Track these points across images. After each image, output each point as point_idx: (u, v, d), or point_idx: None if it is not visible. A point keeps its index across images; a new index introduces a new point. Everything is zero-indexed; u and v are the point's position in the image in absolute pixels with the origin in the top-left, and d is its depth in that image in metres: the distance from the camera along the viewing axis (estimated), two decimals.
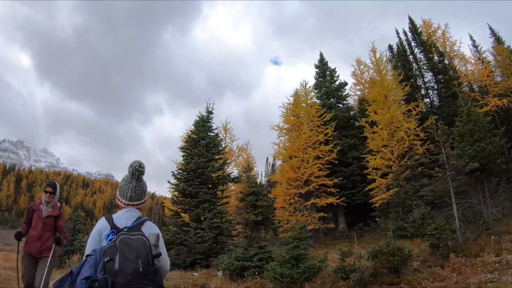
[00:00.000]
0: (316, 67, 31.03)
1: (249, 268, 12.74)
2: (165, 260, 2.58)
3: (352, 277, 9.81)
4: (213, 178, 17.78)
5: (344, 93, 29.54)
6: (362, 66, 29.70)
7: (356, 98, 32.13)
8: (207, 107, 20.01)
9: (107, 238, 2.37)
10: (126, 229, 2.39)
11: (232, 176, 19.22)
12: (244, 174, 17.99)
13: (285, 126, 24.73)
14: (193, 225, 16.23)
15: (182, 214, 16.64)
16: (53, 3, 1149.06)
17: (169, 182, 18.46)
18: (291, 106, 24.84)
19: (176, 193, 17.96)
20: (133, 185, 2.65)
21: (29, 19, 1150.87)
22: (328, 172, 22.01)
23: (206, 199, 16.60)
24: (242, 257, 13.10)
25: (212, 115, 19.79)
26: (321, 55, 31.23)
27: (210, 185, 17.56)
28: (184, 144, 19.21)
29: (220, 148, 19.12)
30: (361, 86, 30.83)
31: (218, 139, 19.39)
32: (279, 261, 11.15)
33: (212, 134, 19.22)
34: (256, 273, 12.50)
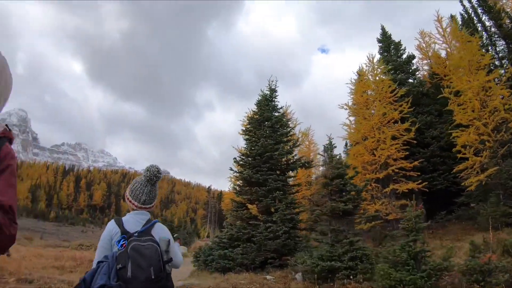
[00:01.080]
0: (379, 41, 28.06)
1: (339, 270, 10.16)
2: (176, 260, 2.51)
3: (495, 279, 6.97)
4: (282, 163, 15.27)
5: (413, 67, 26.36)
6: (427, 39, 26.54)
7: (425, 73, 28.80)
8: (269, 85, 17.59)
9: (118, 243, 2.36)
10: (136, 234, 2.38)
11: (302, 161, 16.47)
12: (324, 154, 15.32)
13: (354, 106, 21.93)
14: (262, 218, 13.73)
15: (249, 206, 14.08)
16: (99, 11, 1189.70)
17: (231, 169, 16.19)
18: (359, 82, 22.00)
19: (240, 182, 15.60)
20: (148, 189, 2.63)
21: (78, 28, 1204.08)
22: (406, 153, 19.28)
23: (276, 187, 14.10)
24: (329, 256, 10.53)
25: (276, 93, 17.32)
26: (383, 28, 28.29)
27: (278, 171, 15.03)
28: (245, 126, 16.84)
29: (288, 129, 16.47)
30: (429, 60, 27.57)
31: (285, 119, 16.79)
32: (389, 261, 8.44)
33: (277, 114, 16.67)
34: (351, 276, 9.94)
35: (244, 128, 17.50)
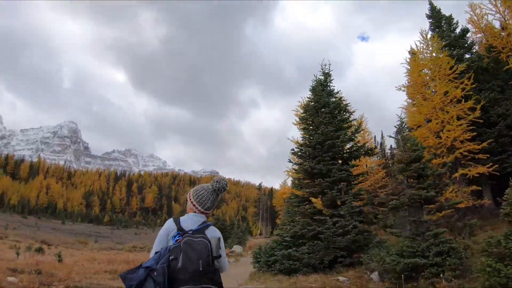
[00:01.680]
0: (428, 17, 25.77)
1: (424, 267, 8.75)
2: (223, 262, 2.69)
3: None
4: (345, 151, 13.88)
5: (468, 42, 24.05)
6: (478, 11, 24.05)
7: (481, 47, 26.35)
8: (322, 70, 16.29)
9: (174, 238, 2.56)
10: (191, 232, 2.59)
11: (366, 147, 14.88)
12: (397, 137, 13.77)
13: (411, 87, 20.17)
14: (328, 212, 12.39)
15: (313, 200, 12.72)
16: (136, 20, 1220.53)
17: (290, 161, 14.95)
18: (414, 61, 20.18)
19: (300, 174, 14.32)
20: (213, 198, 2.87)
21: (117, 39, 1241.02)
22: (473, 134, 17.48)
23: (340, 178, 12.75)
24: (411, 251, 9.13)
25: (330, 77, 15.95)
26: (431, 3, 25.90)
27: (340, 161, 13.63)
28: (300, 116, 15.56)
29: (347, 114, 15.01)
30: (483, 33, 25.14)
31: (343, 103, 15.32)
32: (492, 254, 6.96)
33: (334, 99, 15.25)
34: (440, 274, 8.51)
35: (298, 118, 16.26)
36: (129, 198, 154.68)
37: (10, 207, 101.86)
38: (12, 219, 77.65)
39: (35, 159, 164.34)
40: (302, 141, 14.72)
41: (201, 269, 2.36)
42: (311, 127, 14.34)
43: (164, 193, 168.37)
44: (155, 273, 2.31)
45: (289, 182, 64.65)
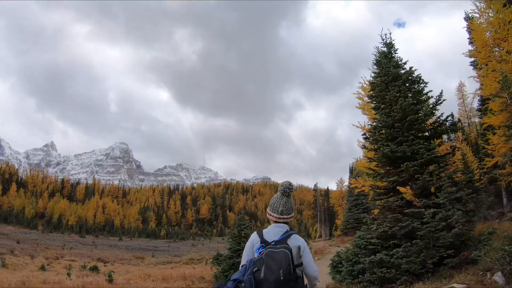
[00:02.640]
0: None
1: None
2: (308, 268, 2.78)
3: None
4: (428, 126, 11.46)
5: None
6: None
7: None
8: (383, 41, 13.88)
9: (258, 251, 2.74)
10: (273, 243, 2.73)
11: (454, 120, 12.23)
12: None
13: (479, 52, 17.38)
14: (420, 203, 9.95)
15: (401, 189, 10.23)
16: (173, 38, 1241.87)
17: (363, 146, 12.66)
18: (477, 25, 17.39)
19: (373, 164, 12.02)
20: (283, 201, 2.95)
21: (156, 59, 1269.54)
22: None
23: (429, 160, 10.33)
24: None
25: (394, 47, 13.58)
26: None
27: (423, 140, 11.17)
28: (370, 93, 13.34)
29: (423, 85, 12.48)
30: None
31: (415, 74, 12.81)
32: None
33: (403, 70, 12.81)
34: None
35: (362, 101, 14.01)
36: (184, 211, 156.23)
37: (68, 228, 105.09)
38: (69, 239, 79.21)
39: (90, 181, 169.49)
40: (374, 124, 12.35)
41: (281, 278, 2.48)
42: (383, 105, 12.00)
43: (218, 203, 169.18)
44: (243, 284, 2.51)
45: (346, 180, 62.89)
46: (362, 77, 15.99)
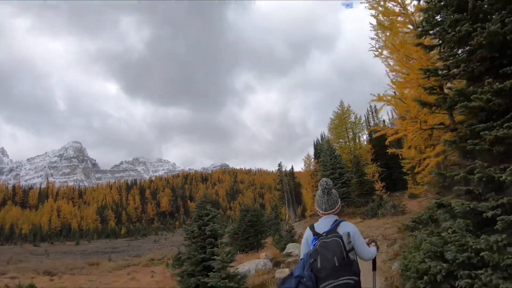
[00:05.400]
0: None
1: None
2: (361, 252, 2.98)
3: None
4: None
5: None
6: None
7: None
8: None
9: (312, 243, 2.96)
10: (324, 234, 2.93)
11: None
12: None
13: None
14: None
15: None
16: (118, 27, 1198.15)
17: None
18: None
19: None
20: (325, 199, 3.13)
21: (101, 50, 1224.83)
22: None
23: None
24: None
25: None
26: None
27: None
28: None
29: None
30: None
31: None
32: None
33: None
34: None
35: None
36: (144, 206, 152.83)
37: (22, 237, 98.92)
38: (19, 250, 72.39)
39: (44, 185, 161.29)
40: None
41: (337, 264, 2.67)
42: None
43: (178, 194, 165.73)
44: (304, 279, 2.71)
45: (312, 155, 58.89)
46: None
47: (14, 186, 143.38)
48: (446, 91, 7.84)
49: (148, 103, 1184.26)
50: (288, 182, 62.54)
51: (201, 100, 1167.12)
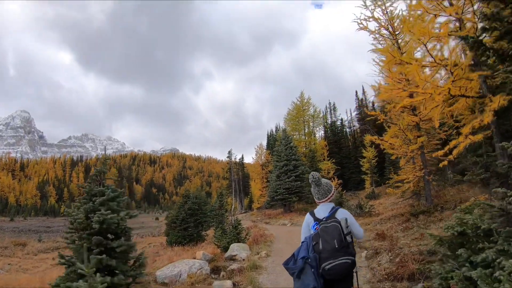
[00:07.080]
0: None
1: None
2: (355, 234, 3.39)
3: None
4: None
5: None
6: None
7: None
8: None
9: (313, 228, 3.39)
10: (324, 219, 3.35)
11: None
12: None
13: None
14: None
15: None
16: None
17: None
18: None
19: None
20: (316, 190, 3.59)
21: (60, 16, 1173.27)
22: None
23: None
24: None
25: None
26: None
27: None
28: None
29: None
30: None
31: None
32: None
33: None
34: None
35: None
36: None
37: None
38: None
39: None
40: None
41: (336, 246, 3.06)
42: None
43: (124, 175, 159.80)
44: (309, 260, 3.12)
45: (265, 146, 57.17)
46: None
47: None
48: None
49: (102, 77, 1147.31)
50: (237, 171, 60.87)
51: (157, 81, 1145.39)
